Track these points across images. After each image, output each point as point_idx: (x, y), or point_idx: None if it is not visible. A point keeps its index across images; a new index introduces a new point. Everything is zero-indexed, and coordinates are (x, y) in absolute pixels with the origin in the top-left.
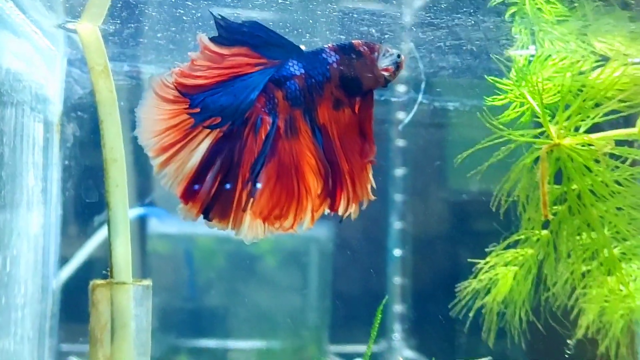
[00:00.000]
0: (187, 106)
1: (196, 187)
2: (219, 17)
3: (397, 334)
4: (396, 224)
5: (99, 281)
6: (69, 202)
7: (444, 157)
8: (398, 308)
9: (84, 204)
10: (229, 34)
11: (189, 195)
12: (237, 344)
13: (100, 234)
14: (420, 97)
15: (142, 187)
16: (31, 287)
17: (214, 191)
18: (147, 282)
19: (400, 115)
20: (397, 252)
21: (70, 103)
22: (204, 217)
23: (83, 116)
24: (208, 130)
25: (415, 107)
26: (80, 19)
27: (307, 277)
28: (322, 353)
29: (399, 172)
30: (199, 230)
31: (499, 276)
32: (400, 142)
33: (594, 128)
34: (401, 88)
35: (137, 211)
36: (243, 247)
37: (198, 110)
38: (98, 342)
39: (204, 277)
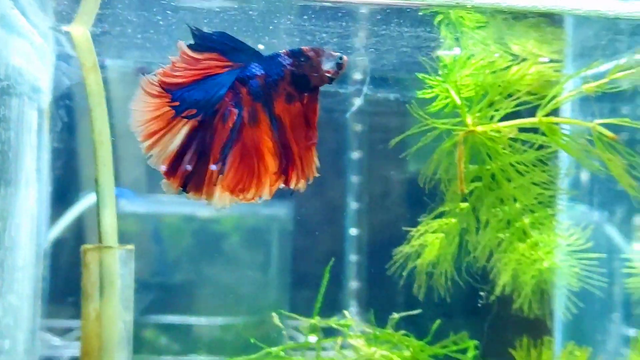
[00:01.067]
0: (169, 100)
1: (180, 165)
2: (194, 28)
3: (352, 308)
4: (352, 204)
5: (89, 245)
6: (56, 180)
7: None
8: (353, 284)
9: (70, 182)
10: (202, 41)
11: (170, 172)
12: (202, 320)
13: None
14: (365, 89)
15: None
16: (28, 252)
17: (191, 169)
18: (130, 246)
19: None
20: (352, 231)
21: (59, 93)
22: (183, 190)
23: (69, 104)
24: (186, 120)
25: (362, 97)
26: (73, 23)
27: (268, 254)
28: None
29: (355, 155)
30: (166, 209)
31: (427, 242)
32: (358, 127)
33: (516, 117)
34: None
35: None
36: (208, 226)
37: (178, 103)
38: (89, 297)
39: (171, 254)
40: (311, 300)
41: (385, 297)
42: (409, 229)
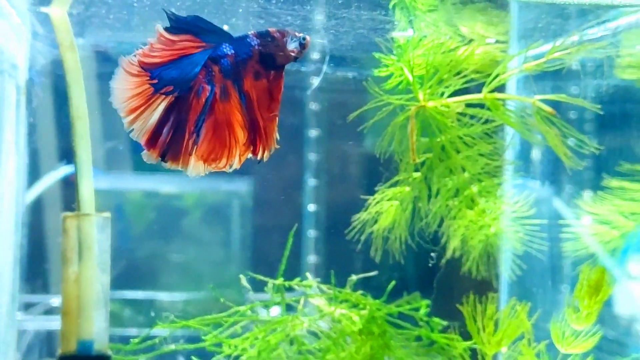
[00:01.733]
0: (148, 78)
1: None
2: (170, 12)
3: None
4: (310, 181)
5: (69, 213)
6: (32, 153)
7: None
8: (312, 258)
9: (44, 155)
10: (177, 24)
11: (150, 144)
12: (165, 294)
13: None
14: (324, 68)
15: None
16: (10, 219)
17: (168, 140)
18: (107, 214)
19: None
20: (311, 207)
21: (34, 70)
22: (161, 160)
23: (45, 81)
24: (164, 96)
25: (321, 75)
26: (52, 4)
27: (228, 229)
28: (243, 300)
29: (313, 133)
30: (128, 185)
31: (383, 209)
32: (314, 106)
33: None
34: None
35: (70, 169)
36: (170, 202)
37: (156, 81)
38: (69, 261)
39: (134, 230)
40: (271, 274)
41: (342, 272)
42: (366, 197)
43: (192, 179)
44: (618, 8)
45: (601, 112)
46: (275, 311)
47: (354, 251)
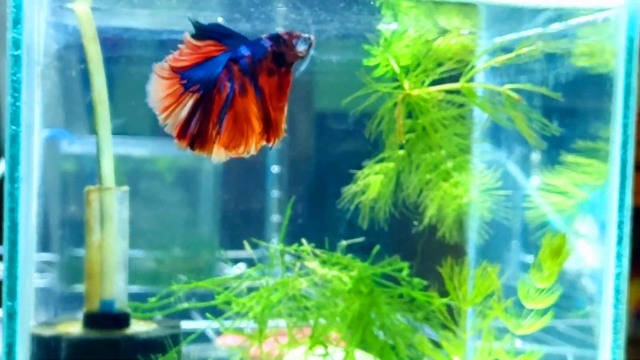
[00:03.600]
0: (178, 80)
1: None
2: (195, 21)
3: (274, 240)
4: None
5: (92, 187)
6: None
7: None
8: (275, 218)
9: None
10: (202, 32)
11: (181, 135)
12: (138, 253)
13: None
14: (311, 52)
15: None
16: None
17: (196, 132)
18: (125, 187)
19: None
20: (274, 168)
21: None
22: (190, 148)
23: (58, 65)
24: (191, 94)
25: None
26: (76, 1)
27: (199, 192)
28: (214, 258)
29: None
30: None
31: (370, 182)
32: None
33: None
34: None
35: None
36: (142, 165)
37: (185, 81)
38: (92, 230)
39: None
40: (239, 235)
41: (312, 232)
42: (355, 171)
43: (164, 143)
44: (575, 10)
45: (561, 99)
46: (242, 267)
47: (318, 212)
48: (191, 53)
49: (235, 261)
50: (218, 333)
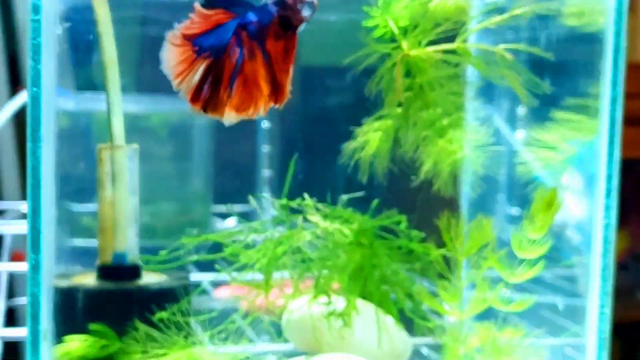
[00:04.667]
0: (190, 47)
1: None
2: None
3: (265, 194)
4: None
5: (103, 145)
6: None
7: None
8: (266, 172)
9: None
10: (211, 2)
11: (194, 99)
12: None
13: None
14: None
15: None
16: None
17: (208, 96)
18: (136, 145)
19: None
20: (264, 124)
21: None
22: (204, 111)
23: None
24: (203, 59)
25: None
26: None
27: (192, 146)
28: (207, 212)
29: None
30: (95, 107)
31: (369, 138)
32: None
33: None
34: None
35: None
36: (135, 122)
37: (197, 48)
38: (103, 186)
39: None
40: (232, 188)
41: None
42: (355, 128)
43: (157, 100)
44: None
45: (552, 59)
46: (232, 222)
47: (307, 166)
48: (201, 21)
49: (227, 215)
50: (214, 285)
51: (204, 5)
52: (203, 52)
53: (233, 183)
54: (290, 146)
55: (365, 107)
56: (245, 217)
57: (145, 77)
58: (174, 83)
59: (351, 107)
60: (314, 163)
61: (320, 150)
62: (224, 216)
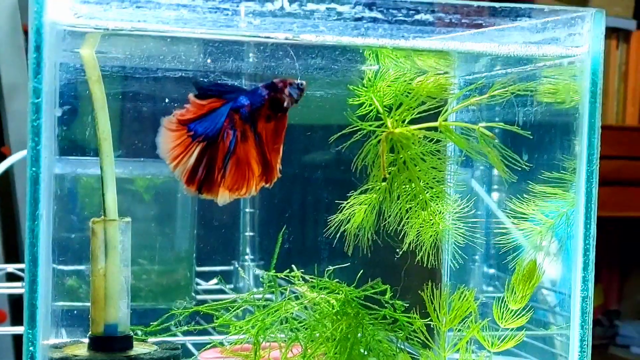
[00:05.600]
0: (185, 131)
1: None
2: (195, 82)
3: (247, 256)
4: None
5: (96, 218)
6: None
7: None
8: (248, 234)
9: None
10: (204, 92)
11: (189, 181)
12: None
13: None
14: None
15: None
16: None
17: (202, 177)
18: (128, 219)
19: None
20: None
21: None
22: (199, 193)
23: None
24: (197, 143)
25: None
26: (82, 46)
27: (175, 210)
28: (190, 274)
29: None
30: (81, 170)
31: (355, 211)
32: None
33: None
34: None
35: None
36: (121, 185)
37: (192, 133)
38: (96, 258)
39: (87, 212)
40: (214, 249)
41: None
42: (341, 201)
43: (142, 164)
44: (542, 59)
45: (530, 137)
46: (214, 282)
47: (287, 229)
48: (196, 108)
49: (211, 275)
50: (198, 349)
51: (197, 97)
52: (198, 136)
53: (216, 246)
54: (272, 209)
55: (350, 180)
56: (228, 277)
57: (129, 142)
58: (170, 166)
59: (337, 180)
60: (297, 231)
61: (304, 218)
62: (206, 276)
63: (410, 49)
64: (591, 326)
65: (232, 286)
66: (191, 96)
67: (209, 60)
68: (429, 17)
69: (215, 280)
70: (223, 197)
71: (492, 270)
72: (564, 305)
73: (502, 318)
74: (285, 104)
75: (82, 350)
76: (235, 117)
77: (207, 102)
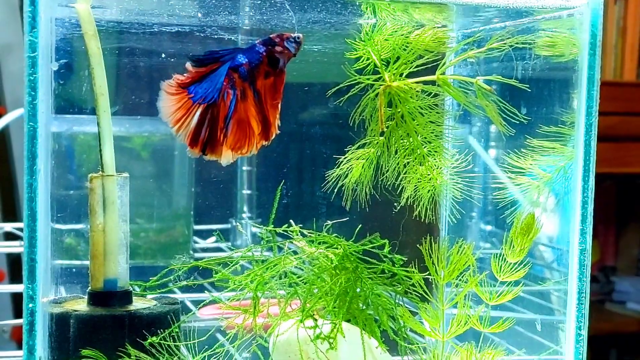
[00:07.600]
0: (185, 94)
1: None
2: (191, 54)
3: (245, 214)
4: None
5: (94, 174)
6: None
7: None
8: (246, 192)
9: None
10: (200, 62)
11: (193, 143)
12: None
13: None
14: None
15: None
16: None
17: (205, 138)
18: (126, 174)
19: None
20: None
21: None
22: (202, 154)
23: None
24: (198, 105)
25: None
26: (78, 1)
27: (173, 168)
28: (188, 232)
29: None
30: (78, 129)
31: (353, 166)
32: None
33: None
34: None
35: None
36: (119, 143)
37: (192, 95)
38: (95, 213)
39: (85, 169)
40: (211, 206)
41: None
42: (338, 156)
43: (138, 122)
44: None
45: (529, 90)
46: (212, 240)
47: (285, 186)
48: (195, 71)
49: (209, 233)
50: (197, 304)
51: (195, 65)
52: (198, 98)
53: (214, 202)
54: (269, 166)
55: (348, 135)
56: (225, 234)
57: (127, 100)
58: (173, 130)
59: (334, 135)
60: (295, 187)
61: (301, 174)
62: (204, 234)
63: (408, 2)
64: (589, 279)
65: (229, 244)
66: (188, 65)
67: (205, 15)
68: None
69: (213, 238)
70: (226, 156)
71: (489, 227)
72: (562, 260)
73: (500, 271)
74: (283, 59)
75: (82, 306)
76: (234, 76)
77: (205, 68)
